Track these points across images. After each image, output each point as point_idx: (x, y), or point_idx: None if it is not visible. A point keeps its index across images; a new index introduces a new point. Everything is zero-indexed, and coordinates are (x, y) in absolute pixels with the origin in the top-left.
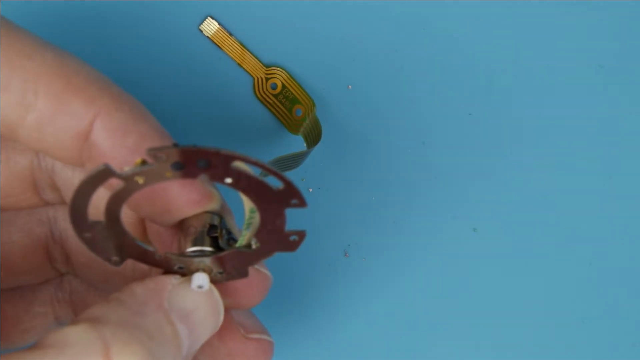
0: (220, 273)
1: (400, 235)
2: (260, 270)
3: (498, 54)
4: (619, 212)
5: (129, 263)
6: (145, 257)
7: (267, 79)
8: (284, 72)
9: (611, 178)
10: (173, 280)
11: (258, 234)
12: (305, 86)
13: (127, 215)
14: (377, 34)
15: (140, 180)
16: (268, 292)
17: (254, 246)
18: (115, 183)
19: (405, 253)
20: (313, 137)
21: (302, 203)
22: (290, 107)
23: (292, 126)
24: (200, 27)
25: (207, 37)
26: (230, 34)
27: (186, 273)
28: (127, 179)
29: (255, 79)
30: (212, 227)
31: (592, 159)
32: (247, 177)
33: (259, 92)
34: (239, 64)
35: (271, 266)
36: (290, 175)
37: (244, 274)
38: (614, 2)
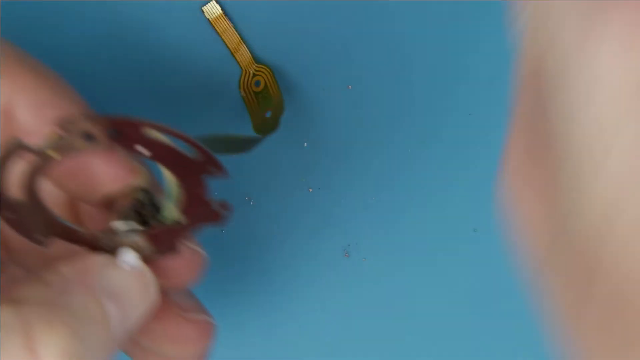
0: (150, 250)
1: (400, 235)
2: (193, 248)
3: (499, 54)
4: None
5: (66, 247)
6: (72, 236)
7: (254, 75)
8: (269, 72)
9: None
10: (101, 258)
11: (183, 208)
12: (305, 86)
13: (56, 196)
14: (377, 34)
15: (54, 154)
16: (203, 271)
17: (180, 220)
18: (31, 159)
19: (405, 253)
20: (265, 129)
21: (220, 171)
22: (265, 108)
23: (258, 126)
24: (202, 8)
25: (208, 19)
26: (231, 22)
27: (114, 251)
28: (40, 153)
29: (244, 72)
30: (140, 203)
31: None
32: (161, 146)
33: (243, 85)
34: (232, 54)
35: (271, 266)
36: (290, 175)
37: (174, 250)
38: None
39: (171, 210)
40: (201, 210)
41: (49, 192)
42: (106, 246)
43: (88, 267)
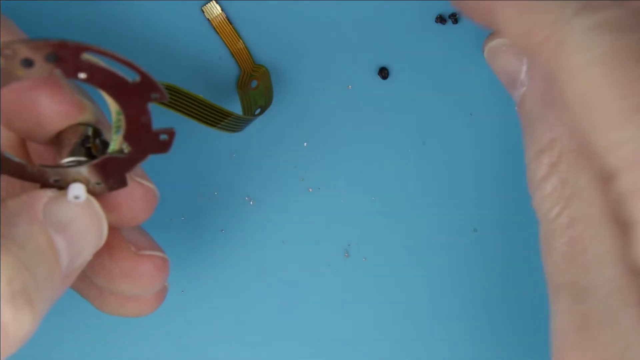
0: (99, 184)
1: (400, 235)
2: (142, 183)
3: None
4: None
5: (19, 186)
6: (20, 172)
7: (251, 75)
8: (266, 73)
9: None
10: (49, 193)
11: (127, 136)
12: (305, 86)
13: (6, 138)
14: (377, 34)
15: None
16: (155, 207)
17: (125, 150)
18: None
19: (405, 253)
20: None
21: (162, 96)
22: (255, 106)
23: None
24: (202, 8)
25: (207, 19)
26: (230, 22)
27: (63, 186)
28: None
29: (242, 72)
30: (87, 138)
31: None
32: (100, 70)
33: (241, 85)
34: (231, 54)
35: (271, 266)
36: (290, 175)
37: (122, 183)
38: None
39: (116, 141)
40: (146, 139)
41: None
42: (55, 182)
43: (33, 200)
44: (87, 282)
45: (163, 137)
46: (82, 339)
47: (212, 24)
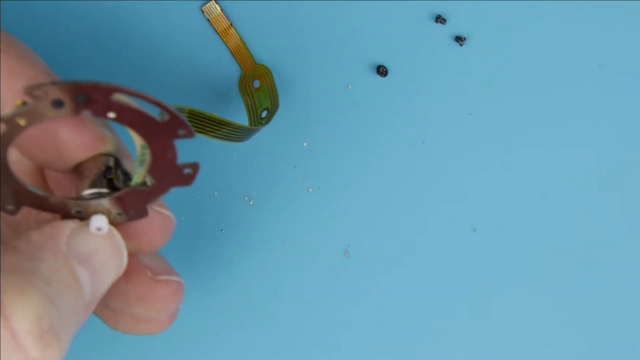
0: (120, 214)
1: (400, 235)
2: (161, 211)
3: (498, 54)
4: (619, 212)
5: (37, 216)
6: (41, 204)
7: (253, 75)
8: (269, 72)
9: (611, 178)
10: (71, 224)
11: (152, 170)
12: (305, 86)
13: (24, 165)
14: (376, 34)
15: (22, 122)
16: (172, 234)
17: (149, 183)
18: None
19: (405, 253)
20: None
21: (189, 133)
22: (261, 107)
23: (254, 123)
24: (202, 8)
25: (207, 19)
26: (230, 22)
27: (85, 217)
28: (8, 121)
29: (243, 72)
30: (108, 169)
31: (592, 159)
32: (130, 110)
33: (242, 85)
34: (231, 54)
35: (271, 266)
36: (290, 175)
37: (143, 213)
38: (614, 2)
39: (140, 174)
40: (170, 173)
41: (17, 161)
42: (77, 213)
43: (57, 232)
44: (101, 303)
45: (187, 171)
46: (82, 338)
47: (212, 24)
